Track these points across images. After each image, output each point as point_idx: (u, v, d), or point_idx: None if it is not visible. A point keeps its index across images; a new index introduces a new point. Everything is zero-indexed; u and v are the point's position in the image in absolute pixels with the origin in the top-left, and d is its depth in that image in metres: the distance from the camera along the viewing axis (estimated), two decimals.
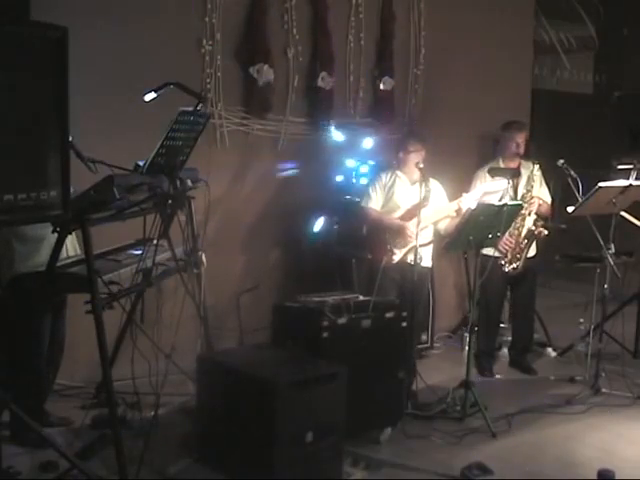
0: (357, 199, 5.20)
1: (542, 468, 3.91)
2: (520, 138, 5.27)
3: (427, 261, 4.96)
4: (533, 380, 5.35)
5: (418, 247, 4.59)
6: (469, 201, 4.74)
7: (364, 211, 4.98)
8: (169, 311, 3.83)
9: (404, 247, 4.78)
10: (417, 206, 4.66)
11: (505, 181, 5.01)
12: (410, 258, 4.75)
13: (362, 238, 5.29)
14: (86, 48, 4.22)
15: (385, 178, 4.97)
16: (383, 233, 4.86)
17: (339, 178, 5.64)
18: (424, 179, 4.59)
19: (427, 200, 4.67)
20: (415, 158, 4.84)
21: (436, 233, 4.96)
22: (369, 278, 4.85)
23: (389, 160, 5.33)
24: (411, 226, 4.74)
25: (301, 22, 5.51)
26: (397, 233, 4.80)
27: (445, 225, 4.91)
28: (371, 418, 4.07)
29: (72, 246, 3.81)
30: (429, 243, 4.90)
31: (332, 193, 5.62)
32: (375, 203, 4.93)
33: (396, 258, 4.81)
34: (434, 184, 4.87)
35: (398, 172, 4.97)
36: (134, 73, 4.64)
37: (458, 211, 4.76)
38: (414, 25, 6.14)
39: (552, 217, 5.64)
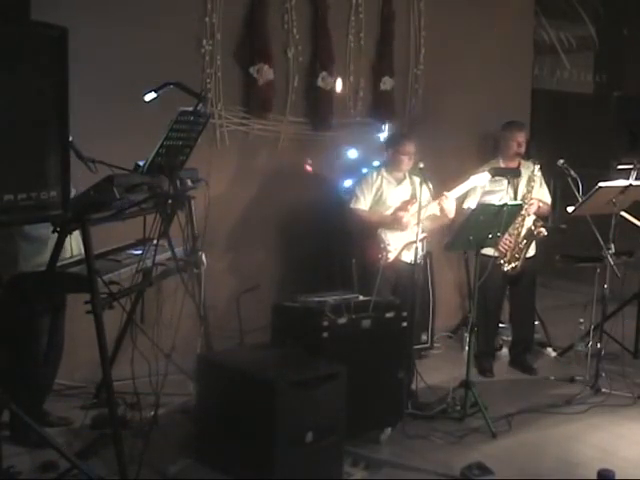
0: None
1: (542, 468, 3.91)
2: (521, 137, 5.27)
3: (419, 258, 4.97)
4: (533, 380, 5.35)
5: (409, 244, 4.61)
6: (451, 199, 4.75)
7: (353, 212, 4.98)
8: (169, 311, 3.83)
9: (402, 232, 4.78)
10: (407, 202, 4.69)
11: (485, 177, 4.99)
12: (404, 256, 4.76)
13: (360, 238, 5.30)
14: (86, 48, 4.21)
15: (371, 178, 4.97)
16: (375, 232, 4.87)
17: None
18: (424, 180, 4.59)
19: (415, 197, 4.69)
20: (407, 160, 4.86)
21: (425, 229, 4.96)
22: (362, 278, 4.86)
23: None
24: (405, 215, 4.77)
25: (301, 22, 5.51)
26: (393, 224, 4.80)
27: (428, 224, 4.91)
28: (371, 418, 4.07)
29: (77, 246, 3.79)
30: (421, 240, 4.90)
31: (332, 193, 5.62)
32: (363, 204, 4.93)
33: (391, 257, 4.81)
34: (417, 181, 4.90)
35: (384, 172, 4.98)
36: (134, 73, 4.64)
37: (441, 210, 4.77)
38: (414, 25, 6.14)
39: (553, 219, 5.65)
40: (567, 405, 4.74)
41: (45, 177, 2.71)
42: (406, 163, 4.91)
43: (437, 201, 4.77)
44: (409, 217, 4.77)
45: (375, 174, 4.99)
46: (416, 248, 4.58)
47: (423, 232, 4.85)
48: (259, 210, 5.49)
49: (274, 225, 5.58)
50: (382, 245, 4.82)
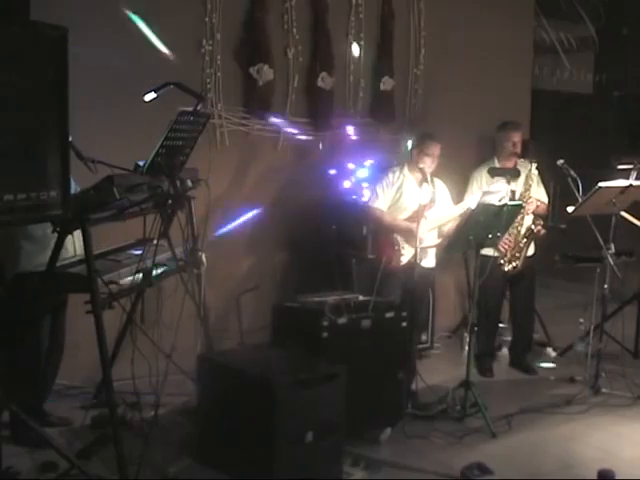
0: (362, 199, 5.20)
1: (542, 468, 3.91)
2: (516, 137, 5.27)
3: (431, 262, 4.97)
4: (533, 380, 5.35)
5: (424, 248, 4.60)
6: (473, 205, 4.73)
7: (370, 210, 4.96)
8: (169, 311, 3.83)
9: (413, 247, 4.76)
10: (425, 207, 4.65)
11: (505, 182, 5.00)
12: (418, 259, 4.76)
13: (362, 238, 5.29)
14: (86, 48, 4.21)
15: (392, 177, 4.94)
16: (390, 233, 4.85)
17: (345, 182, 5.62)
18: (425, 180, 4.59)
19: (434, 201, 4.66)
20: (429, 161, 4.81)
21: (441, 234, 4.95)
22: (372, 278, 4.84)
23: (389, 160, 5.34)
24: (418, 227, 4.75)
25: (301, 22, 5.51)
26: (406, 233, 4.79)
27: (448, 227, 4.91)
28: (371, 418, 4.07)
29: (79, 246, 3.78)
30: (435, 245, 4.90)
31: (332, 193, 5.62)
32: (382, 203, 4.91)
33: (404, 260, 4.80)
34: (439, 184, 4.87)
35: (406, 172, 4.95)
36: (134, 73, 4.64)
37: (462, 215, 4.75)
38: (414, 25, 6.14)
39: (553, 219, 5.65)
40: (567, 405, 4.74)
41: (45, 177, 2.72)
42: (429, 164, 4.84)
43: (461, 205, 4.80)
44: (421, 231, 4.67)
45: (397, 173, 4.96)
46: (417, 250, 4.57)
47: (434, 239, 4.86)
48: (259, 210, 5.49)
49: (274, 225, 5.57)
50: (396, 247, 4.81)
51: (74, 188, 3.76)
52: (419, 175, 4.81)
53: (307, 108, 5.64)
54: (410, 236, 4.76)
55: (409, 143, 5.37)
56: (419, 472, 3.82)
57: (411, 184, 4.91)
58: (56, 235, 3.26)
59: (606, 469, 3.67)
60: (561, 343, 5.93)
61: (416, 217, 4.75)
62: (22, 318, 3.74)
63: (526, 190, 5.15)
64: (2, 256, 3.70)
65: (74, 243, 3.66)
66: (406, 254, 4.80)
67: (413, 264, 4.66)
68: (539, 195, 5.30)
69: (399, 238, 4.84)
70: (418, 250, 4.59)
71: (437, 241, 4.90)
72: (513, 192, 5.17)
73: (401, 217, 4.90)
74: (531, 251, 5.28)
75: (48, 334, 3.98)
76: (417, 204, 4.75)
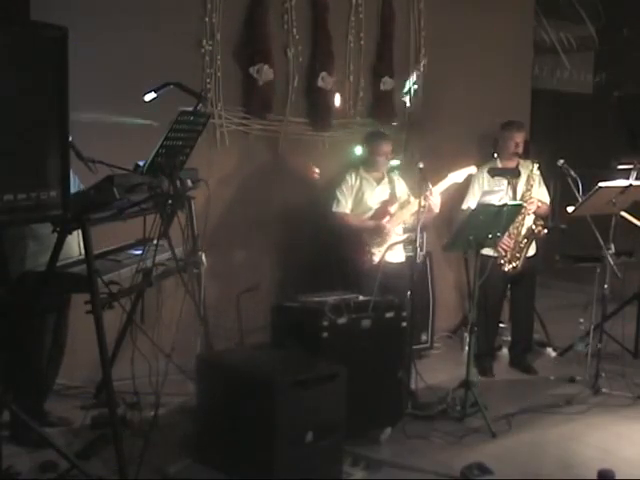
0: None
1: (542, 468, 3.91)
2: (519, 137, 5.27)
3: (401, 257, 5.00)
4: (533, 380, 5.35)
5: (391, 245, 4.64)
6: (436, 195, 4.74)
7: (335, 216, 4.99)
8: (169, 311, 3.83)
9: (383, 246, 4.80)
10: (387, 203, 4.70)
11: (464, 174, 4.97)
12: (389, 256, 4.77)
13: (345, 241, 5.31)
14: (86, 48, 4.21)
15: (351, 180, 5.00)
16: (360, 234, 4.88)
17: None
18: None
19: (395, 196, 4.69)
20: (383, 160, 4.88)
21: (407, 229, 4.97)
22: (350, 279, 4.85)
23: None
24: (387, 224, 4.78)
25: (301, 22, 5.51)
26: (375, 233, 4.83)
27: (411, 221, 4.91)
28: (371, 418, 4.07)
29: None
30: (403, 240, 4.92)
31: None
32: (345, 207, 4.95)
33: (376, 259, 4.83)
34: (397, 180, 4.92)
35: (363, 172, 5.00)
36: (134, 73, 4.64)
37: (427, 206, 4.72)
38: (414, 25, 6.14)
39: (553, 219, 5.65)
40: (567, 405, 4.74)
41: (45, 177, 2.71)
42: (382, 163, 4.93)
43: (423, 197, 4.75)
44: (389, 227, 4.82)
45: (354, 175, 5.03)
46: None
47: (406, 233, 4.89)
48: (259, 210, 5.49)
49: (274, 225, 5.57)
50: (367, 248, 4.85)
51: (77, 185, 3.77)
52: (376, 174, 4.99)
53: (307, 108, 5.65)
54: (377, 236, 4.81)
55: (357, 149, 5.41)
56: (419, 472, 3.81)
57: (370, 184, 4.99)
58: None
59: (606, 469, 3.67)
60: (561, 343, 5.93)
61: (379, 214, 4.80)
62: (24, 318, 3.75)
63: (527, 190, 5.15)
64: (8, 255, 3.70)
65: (79, 243, 3.65)
66: (377, 253, 4.84)
67: (387, 262, 4.71)
68: (541, 196, 5.30)
69: (368, 238, 4.87)
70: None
71: (404, 236, 4.93)
72: (514, 192, 5.17)
73: (366, 217, 4.97)
74: (532, 251, 5.28)
75: (51, 334, 3.98)
76: (378, 202, 4.89)
